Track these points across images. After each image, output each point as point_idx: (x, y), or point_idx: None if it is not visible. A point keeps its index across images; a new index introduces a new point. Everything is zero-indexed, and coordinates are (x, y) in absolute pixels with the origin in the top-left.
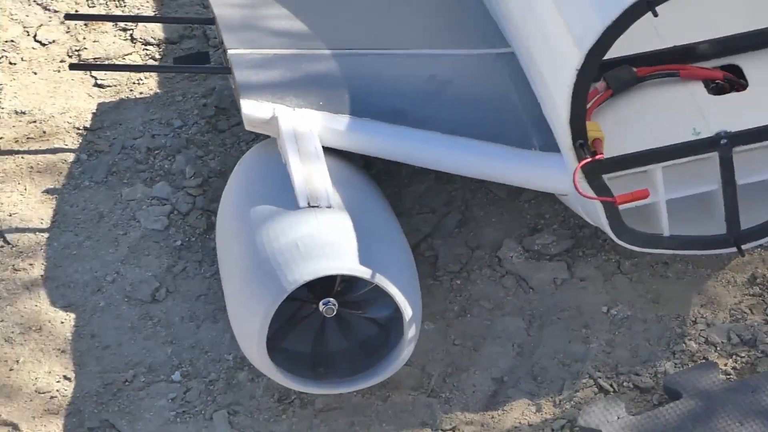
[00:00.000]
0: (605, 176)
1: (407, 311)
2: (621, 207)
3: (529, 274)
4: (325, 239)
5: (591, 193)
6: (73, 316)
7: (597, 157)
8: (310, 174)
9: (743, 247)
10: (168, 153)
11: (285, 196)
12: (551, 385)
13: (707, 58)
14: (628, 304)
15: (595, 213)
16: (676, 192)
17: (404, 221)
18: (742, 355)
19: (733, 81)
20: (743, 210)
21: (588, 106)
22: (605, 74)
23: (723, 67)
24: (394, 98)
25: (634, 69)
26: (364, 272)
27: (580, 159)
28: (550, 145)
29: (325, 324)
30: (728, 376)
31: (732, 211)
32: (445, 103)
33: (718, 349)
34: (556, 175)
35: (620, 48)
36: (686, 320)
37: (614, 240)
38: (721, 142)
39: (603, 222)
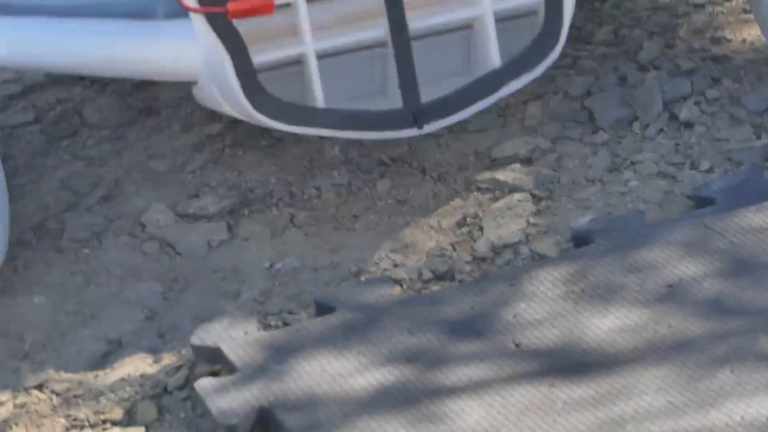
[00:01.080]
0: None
1: None
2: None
3: (177, 239)
4: None
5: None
6: None
7: None
8: None
9: (427, 129)
10: None
11: None
12: (182, 342)
13: None
14: (298, 256)
15: (228, 88)
16: (330, 39)
17: (34, 202)
18: (436, 288)
19: None
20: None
21: None
22: None
23: None
24: None
25: None
26: None
27: None
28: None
29: None
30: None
31: (406, 71)
32: None
33: (405, 286)
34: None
35: None
36: (368, 263)
37: (251, 113)
38: None
39: (233, 84)
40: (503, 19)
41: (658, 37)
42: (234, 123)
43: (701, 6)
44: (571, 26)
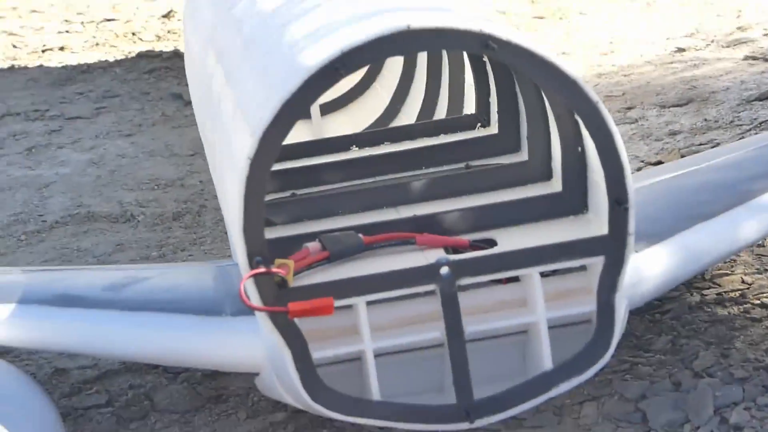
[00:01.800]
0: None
1: None
2: (307, 335)
3: None
4: None
5: (258, 302)
6: None
7: (274, 270)
8: None
9: (478, 423)
10: None
11: None
12: None
13: (459, 231)
14: None
15: (289, 381)
16: (388, 339)
17: None
18: None
19: (482, 247)
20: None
21: (290, 262)
22: (322, 235)
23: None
24: None
25: (361, 235)
26: None
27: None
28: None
29: None
30: None
31: (461, 371)
32: None
33: None
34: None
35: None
36: None
37: (310, 404)
38: (442, 271)
39: (293, 377)
40: (557, 327)
41: (715, 348)
42: (298, 412)
43: (758, 320)
44: (630, 334)
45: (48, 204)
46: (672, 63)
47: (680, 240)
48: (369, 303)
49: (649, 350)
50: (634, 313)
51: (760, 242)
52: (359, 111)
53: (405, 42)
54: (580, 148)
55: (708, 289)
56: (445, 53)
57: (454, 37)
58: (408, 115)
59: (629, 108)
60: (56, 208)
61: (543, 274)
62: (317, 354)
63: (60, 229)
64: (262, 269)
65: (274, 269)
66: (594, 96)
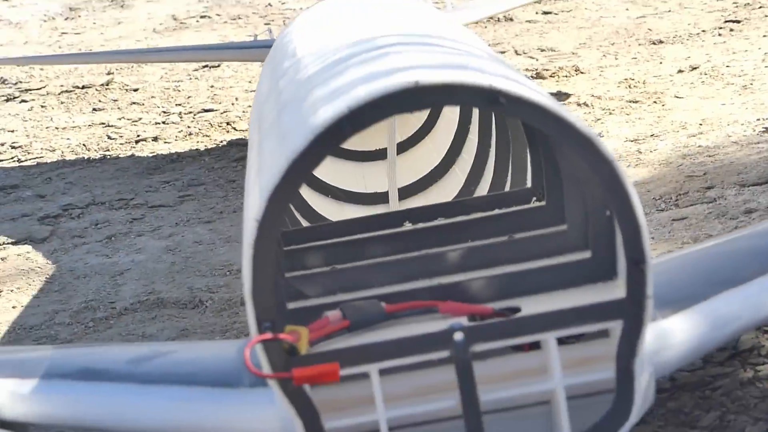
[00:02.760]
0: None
1: None
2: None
3: None
4: None
5: (264, 369)
6: None
7: (281, 336)
8: None
9: None
10: None
11: None
12: None
13: (485, 299)
14: None
15: None
16: (403, 408)
17: None
18: None
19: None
20: None
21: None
22: (343, 304)
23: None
24: None
25: (383, 304)
26: None
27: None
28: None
29: None
30: None
31: None
32: None
33: None
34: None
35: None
36: None
37: None
38: (455, 337)
39: None
40: (580, 396)
41: (763, 423)
42: None
43: None
44: (679, 411)
45: (120, 291)
46: (758, 143)
47: (708, 306)
48: (385, 371)
49: (695, 426)
50: (684, 390)
51: None
52: (438, 194)
53: (413, 98)
54: (608, 212)
55: (763, 365)
56: (512, 127)
57: (463, 93)
58: (482, 190)
59: (709, 188)
60: (127, 295)
61: (565, 341)
62: (330, 424)
63: (128, 315)
64: (269, 335)
65: (282, 335)
66: (609, 154)
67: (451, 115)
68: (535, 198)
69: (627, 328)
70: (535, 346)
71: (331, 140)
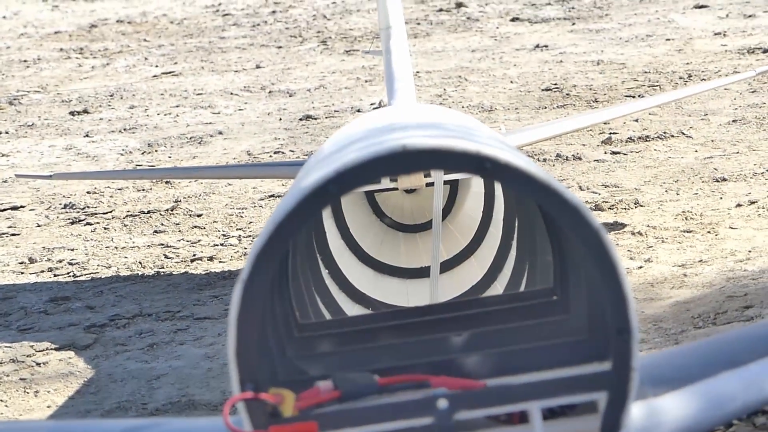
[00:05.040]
0: None
1: None
2: None
3: None
4: None
5: (240, 425)
6: None
7: (263, 396)
8: None
9: None
10: None
11: None
12: None
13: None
14: None
15: None
16: None
17: None
18: None
19: None
20: None
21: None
22: (335, 375)
23: None
24: None
25: (375, 376)
26: None
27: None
28: None
29: None
30: None
31: None
32: None
33: None
34: None
35: None
36: None
37: None
38: (439, 404)
39: None
40: None
41: None
42: None
43: None
44: None
45: (154, 393)
46: None
47: (703, 386)
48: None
49: None
50: None
51: None
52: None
53: (400, 163)
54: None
55: None
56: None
57: (449, 158)
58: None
59: (747, 307)
60: (161, 397)
61: (552, 416)
62: None
63: (159, 415)
64: (249, 394)
65: (263, 395)
66: (595, 222)
67: (494, 230)
68: (555, 296)
69: (612, 401)
70: (525, 419)
71: (317, 201)
